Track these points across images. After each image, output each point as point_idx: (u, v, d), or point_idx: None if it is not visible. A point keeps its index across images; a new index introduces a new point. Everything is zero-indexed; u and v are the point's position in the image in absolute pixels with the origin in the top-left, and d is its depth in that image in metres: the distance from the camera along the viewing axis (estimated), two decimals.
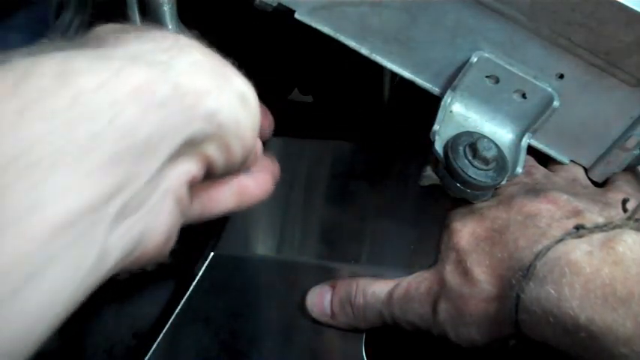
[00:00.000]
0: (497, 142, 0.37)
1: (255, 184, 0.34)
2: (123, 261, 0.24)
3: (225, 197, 0.32)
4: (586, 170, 0.42)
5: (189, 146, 0.25)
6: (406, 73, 0.40)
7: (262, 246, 0.47)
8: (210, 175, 0.28)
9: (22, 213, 0.19)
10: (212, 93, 0.25)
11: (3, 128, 0.19)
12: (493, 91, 0.38)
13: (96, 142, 0.21)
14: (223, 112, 0.26)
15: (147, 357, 0.42)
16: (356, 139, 0.50)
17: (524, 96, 0.38)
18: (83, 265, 0.21)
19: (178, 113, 0.24)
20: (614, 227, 0.32)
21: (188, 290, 0.44)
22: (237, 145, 0.28)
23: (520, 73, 0.37)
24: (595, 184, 0.41)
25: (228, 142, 0.27)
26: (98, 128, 0.21)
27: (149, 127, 0.22)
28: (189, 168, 0.26)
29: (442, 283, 0.37)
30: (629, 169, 0.41)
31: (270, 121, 0.37)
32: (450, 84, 0.39)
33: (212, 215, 0.32)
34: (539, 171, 0.41)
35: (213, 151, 0.27)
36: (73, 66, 0.21)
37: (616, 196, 0.38)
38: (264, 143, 0.35)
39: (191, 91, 0.24)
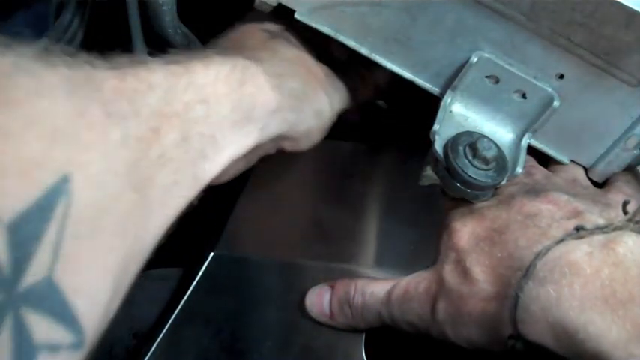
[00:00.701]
0: (497, 142, 0.37)
1: None
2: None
3: None
4: (586, 170, 0.42)
5: (274, 138, 0.37)
6: (406, 73, 0.40)
7: (262, 246, 0.47)
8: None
9: (219, 148, 0.32)
10: (295, 111, 0.37)
11: (224, 93, 0.32)
12: (493, 91, 0.38)
13: (250, 113, 0.34)
14: (299, 125, 0.38)
15: (147, 357, 0.42)
16: (356, 139, 0.50)
17: (524, 96, 0.38)
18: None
19: (278, 119, 0.36)
20: (615, 229, 0.32)
21: (188, 290, 0.44)
22: (304, 143, 0.40)
23: (520, 73, 0.37)
24: (595, 184, 0.41)
25: (299, 142, 0.40)
26: (259, 114, 0.34)
27: (266, 120, 0.35)
28: (267, 148, 0.39)
29: (441, 282, 0.37)
30: (629, 169, 0.41)
31: (358, 117, 0.49)
32: (450, 84, 0.39)
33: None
34: (539, 171, 0.41)
35: (286, 145, 0.40)
36: (247, 73, 0.34)
37: (616, 197, 0.38)
38: None
39: (285, 108, 0.36)
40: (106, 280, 0.24)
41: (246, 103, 0.33)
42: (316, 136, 0.41)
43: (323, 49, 0.42)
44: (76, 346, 0.23)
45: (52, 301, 0.21)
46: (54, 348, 0.22)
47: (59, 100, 0.23)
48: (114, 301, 0.26)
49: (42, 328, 0.21)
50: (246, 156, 0.35)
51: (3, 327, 0.20)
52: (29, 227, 0.20)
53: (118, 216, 0.24)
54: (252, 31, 0.41)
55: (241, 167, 0.40)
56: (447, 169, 0.36)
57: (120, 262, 0.25)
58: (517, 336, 0.32)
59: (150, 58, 0.30)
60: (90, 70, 0.25)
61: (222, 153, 0.32)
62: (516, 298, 0.32)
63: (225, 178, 0.38)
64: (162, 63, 0.30)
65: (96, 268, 0.23)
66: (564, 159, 0.41)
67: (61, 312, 0.22)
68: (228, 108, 0.32)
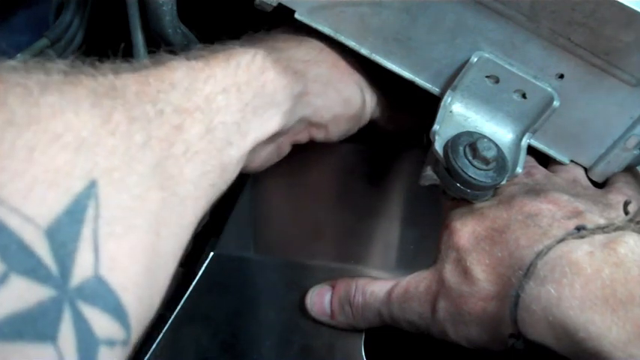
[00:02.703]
0: (497, 142, 0.37)
1: None
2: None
3: None
4: (586, 170, 0.42)
5: (300, 122, 0.39)
6: (406, 73, 0.40)
7: (262, 246, 0.47)
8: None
9: (243, 134, 0.32)
10: (321, 96, 0.39)
11: (245, 82, 0.33)
12: (493, 91, 0.38)
13: (272, 98, 0.34)
14: (324, 111, 0.39)
15: (147, 357, 0.42)
16: (356, 139, 0.50)
17: (524, 96, 0.38)
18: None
19: (302, 103, 0.37)
20: (616, 229, 0.32)
21: (188, 290, 0.44)
22: (334, 132, 0.42)
23: (520, 73, 0.37)
24: (595, 184, 0.41)
25: (328, 129, 0.41)
26: (282, 98, 0.35)
27: (289, 104, 0.36)
28: (297, 134, 0.41)
29: (441, 282, 0.37)
30: (629, 169, 0.41)
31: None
32: (450, 84, 0.39)
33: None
34: (540, 171, 0.41)
35: (315, 133, 0.41)
36: (268, 60, 0.35)
37: (616, 197, 0.38)
38: None
39: (311, 93, 0.38)
40: (147, 278, 0.25)
41: (268, 89, 0.34)
42: (345, 125, 0.42)
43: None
44: (126, 343, 0.24)
45: (105, 297, 0.23)
46: (111, 343, 0.23)
47: (83, 112, 0.24)
48: (154, 299, 0.26)
49: (100, 323, 0.22)
50: (276, 142, 0.36)
51: (63, 320, 0.21)
52: (65, 230, 0.22)
53: (148, 214, 0.25)
54: (283, 29, 0.42)
55: (274, 156, 0.41)
56: (447, 169, 0.36)
57: (156, 259, 0.26)
58: (517, 335, 0.32)
59: (172, 56, 0.31)
60: (113, 79, 0.26)
61: (246, 138, 0.33)
62: (517, 297, 0.32)
63: (258, 165, 0.40)
64: (183, 59, 0.31)
65: (136, 266, 0.24)
66: (564, 159, 0.41)
67: (114, 308, 0.23)
68: (250, 95, 0.32)
